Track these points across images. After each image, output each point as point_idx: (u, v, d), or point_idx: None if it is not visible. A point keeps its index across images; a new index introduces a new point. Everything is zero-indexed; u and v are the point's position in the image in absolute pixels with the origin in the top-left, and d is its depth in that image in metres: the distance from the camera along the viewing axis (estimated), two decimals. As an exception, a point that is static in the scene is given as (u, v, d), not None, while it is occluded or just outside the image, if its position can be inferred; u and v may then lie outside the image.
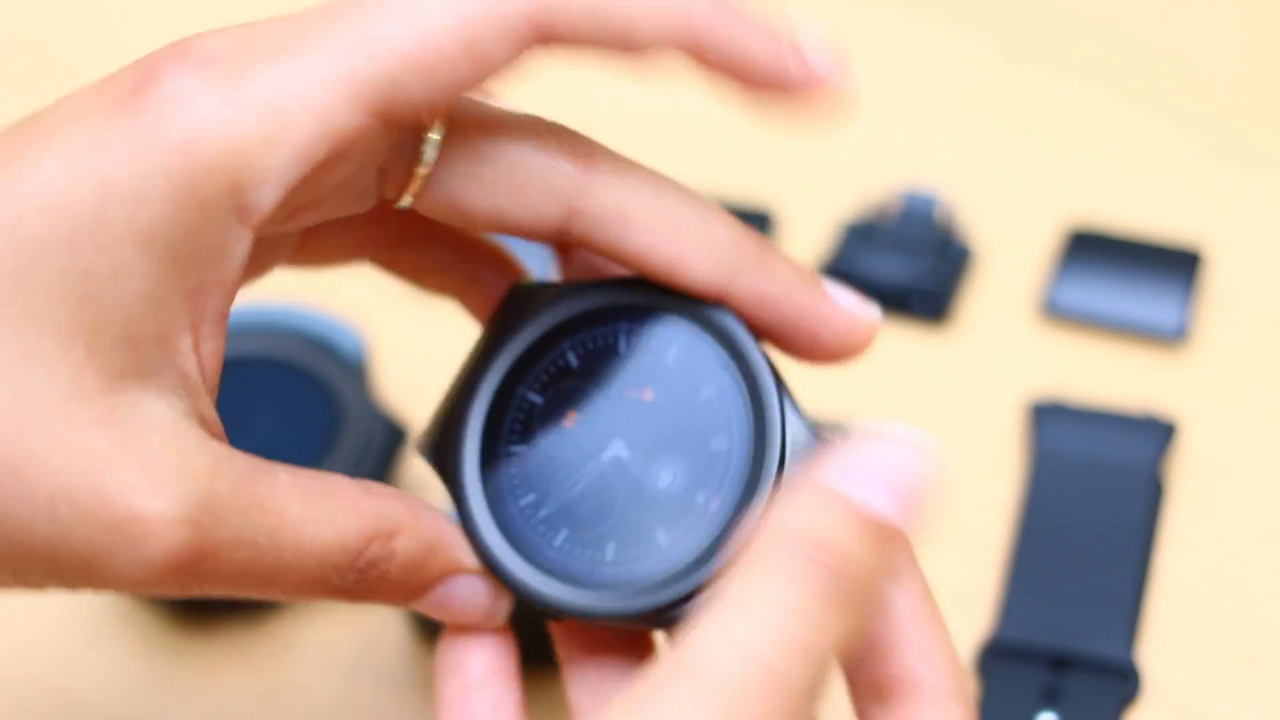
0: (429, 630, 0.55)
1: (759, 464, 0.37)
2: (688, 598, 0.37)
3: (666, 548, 0.37)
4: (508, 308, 0.41)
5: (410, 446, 0.59)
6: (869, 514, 0.33)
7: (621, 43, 0.36)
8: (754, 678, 0.31)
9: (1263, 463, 0.60)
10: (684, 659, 0.32)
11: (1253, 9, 0.77)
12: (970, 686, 0.37)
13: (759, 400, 0.38)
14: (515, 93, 0.71)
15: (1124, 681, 0.53)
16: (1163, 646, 0.55)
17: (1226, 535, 0.58)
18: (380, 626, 0.56)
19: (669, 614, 0.37)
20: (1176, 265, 0.65)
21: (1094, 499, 0.57)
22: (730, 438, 0.38)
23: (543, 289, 0.41)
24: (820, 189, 0.70)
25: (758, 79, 0.37)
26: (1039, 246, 0.67)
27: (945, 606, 0.56)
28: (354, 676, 0.55)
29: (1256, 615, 0.55)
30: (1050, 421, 0.59)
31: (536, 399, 0.39)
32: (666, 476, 0.38)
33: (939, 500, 0.34)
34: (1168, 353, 0.64)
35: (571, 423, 0.39)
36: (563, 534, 0.38)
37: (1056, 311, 0.65)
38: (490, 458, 0.39)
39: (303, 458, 0.51)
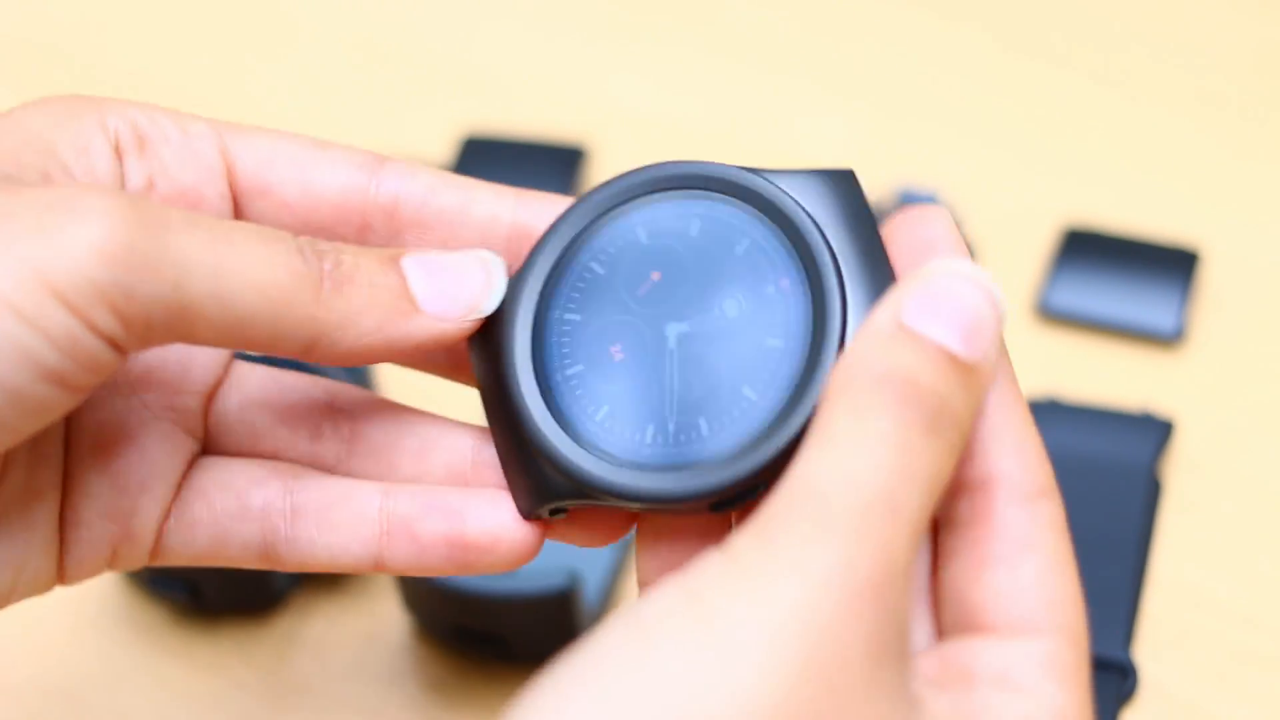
0: (429, 630, 0.55)
1: (819, 331, 0.37)
2: (742, 484, 0.37)
3: (710, 435, 0.37)
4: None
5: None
6: (947, 351, 0.35)
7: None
8: (872, 506, 0.32)
9: (1259, 461, 0.60)
10: (798, 495, 0.33)
11: (1251, 7, 0.78)
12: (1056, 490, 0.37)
13: (811, 265, 0.38)
14: (534, 96, 0.71)
15: (1121, 679, 0.53)
16: (1160, 644, 0.55)
17: (1223, 533, 0.58)
18: (380, 626, 0.56)
19: (726, 498, 0.37)
20: (1173, 265, 0.65)
21: (1091, 497, 0.57)
22: (761, 393, 0.37)
23: None
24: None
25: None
26: (1036, 245, 0.68)
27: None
28: (354, 676, 0.55)
29: (1252, 612, 0.56)
30: (1047, 419, 0.60)
31: (642, 238, 0.39)
32: (692, 386, 0.38)
33: (1003, 333, 0.36)
34: (1165, 353, 0.64)
35: (630, 294, 0.39)
36: (604, 410, 0.38)
37: (1052, 311, 0.65)
38: (540, 354, 0.39)
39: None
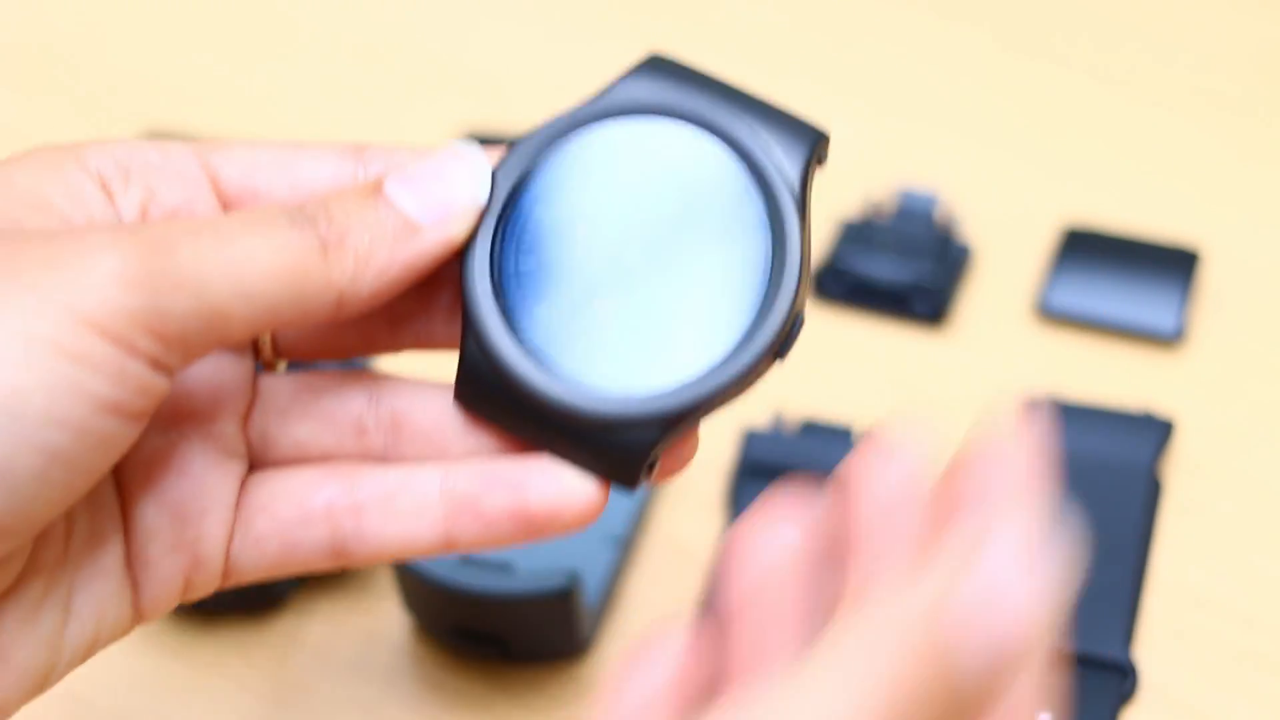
0: (429, 630, 0.55)
1: (777, 275, 0.39)
2: (701, 404, 0.38)
3: (688, 350, 0.38)
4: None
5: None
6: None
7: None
8: None
9: (1259, 461, 0.60)
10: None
11: (1251, 7, 0.78)
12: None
13: (777, 213, 0.39)
14: (539, 88, 0.70)
15: (1121, 679, 0.53)
16: (1160, 644, 0.55)
17: (1223, 533, 0.58)
18: (380, 626, 0.56)
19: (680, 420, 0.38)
20: (1173, 265, 0.65)
21: (1091, 497, 0.57)
22: (746, 245, 0.39)
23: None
24: (818, 188, 0.70)
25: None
26: (1036, 245, 0.68)
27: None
28: (354, 676, 0.55)
29: (1253, 613, 0.56)
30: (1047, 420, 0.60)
31: (545, 211, 0.40)
32: (685, 281, 0.39)
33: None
34: (1165, 352, 0.64)
35: (586, 228, 0.39)
36: (580, 344, 0.39)
37: (1053, 311, 0.65)
38: (502, 264, 0.40)
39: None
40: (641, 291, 0.39)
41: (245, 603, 0.56)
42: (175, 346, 0.35)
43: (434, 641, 0.55)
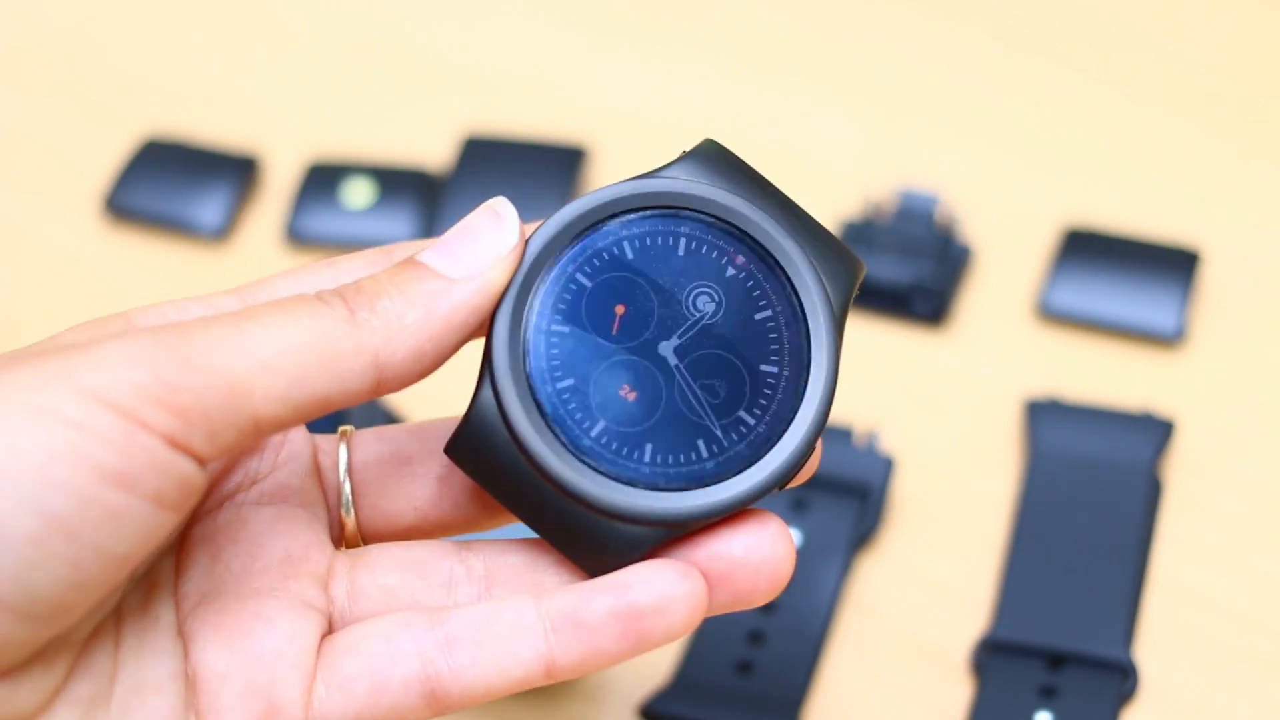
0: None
1: (800, 398, 0.39)
2: (700, 517, 0.38)
3: (706, 458, 0.38)
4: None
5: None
6: None
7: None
8: None
9: (1259, 461, 0.60)
10: None
11: (1251, 7, 0.78)
12: None
13: (810, 334, 0.39)
14: (534, 90, 0.70)
15: (1121, 679, 0.53)
16: (1160, 644, 0.55)
17: (1223, 533, 0.58)
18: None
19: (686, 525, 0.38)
20: (1174, 265, 0.65)
21: (1091, 497, 0.57)
22: (780, 365, 0.39)
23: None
24: (818, 188, 0.70)
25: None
26: (1036, 246, 0.68)
27: (944, 604, 0.56)
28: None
29: (1252, 613, 0.56)
30: (1048, 420, 0.60)
31: (586, 282, 0.39)
32: (714, 390, 0.38)
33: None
34: (1165, 353, 0.64)
35: (628, 309, 0.39)
36: (600, 425, 0.38)
37: (1053, 311, 0.65)
38: (524, 338, 0.39)
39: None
40: (669, 390, 0.38)
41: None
42: (196, 423, 0.35)
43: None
